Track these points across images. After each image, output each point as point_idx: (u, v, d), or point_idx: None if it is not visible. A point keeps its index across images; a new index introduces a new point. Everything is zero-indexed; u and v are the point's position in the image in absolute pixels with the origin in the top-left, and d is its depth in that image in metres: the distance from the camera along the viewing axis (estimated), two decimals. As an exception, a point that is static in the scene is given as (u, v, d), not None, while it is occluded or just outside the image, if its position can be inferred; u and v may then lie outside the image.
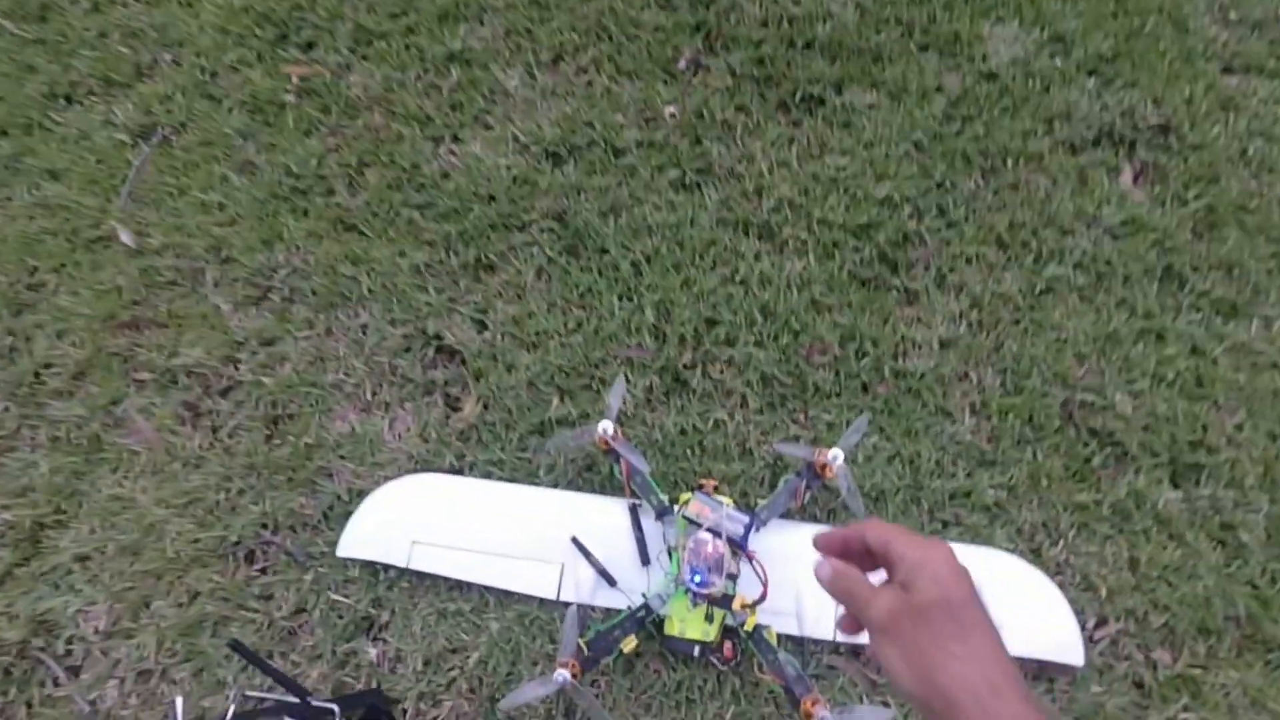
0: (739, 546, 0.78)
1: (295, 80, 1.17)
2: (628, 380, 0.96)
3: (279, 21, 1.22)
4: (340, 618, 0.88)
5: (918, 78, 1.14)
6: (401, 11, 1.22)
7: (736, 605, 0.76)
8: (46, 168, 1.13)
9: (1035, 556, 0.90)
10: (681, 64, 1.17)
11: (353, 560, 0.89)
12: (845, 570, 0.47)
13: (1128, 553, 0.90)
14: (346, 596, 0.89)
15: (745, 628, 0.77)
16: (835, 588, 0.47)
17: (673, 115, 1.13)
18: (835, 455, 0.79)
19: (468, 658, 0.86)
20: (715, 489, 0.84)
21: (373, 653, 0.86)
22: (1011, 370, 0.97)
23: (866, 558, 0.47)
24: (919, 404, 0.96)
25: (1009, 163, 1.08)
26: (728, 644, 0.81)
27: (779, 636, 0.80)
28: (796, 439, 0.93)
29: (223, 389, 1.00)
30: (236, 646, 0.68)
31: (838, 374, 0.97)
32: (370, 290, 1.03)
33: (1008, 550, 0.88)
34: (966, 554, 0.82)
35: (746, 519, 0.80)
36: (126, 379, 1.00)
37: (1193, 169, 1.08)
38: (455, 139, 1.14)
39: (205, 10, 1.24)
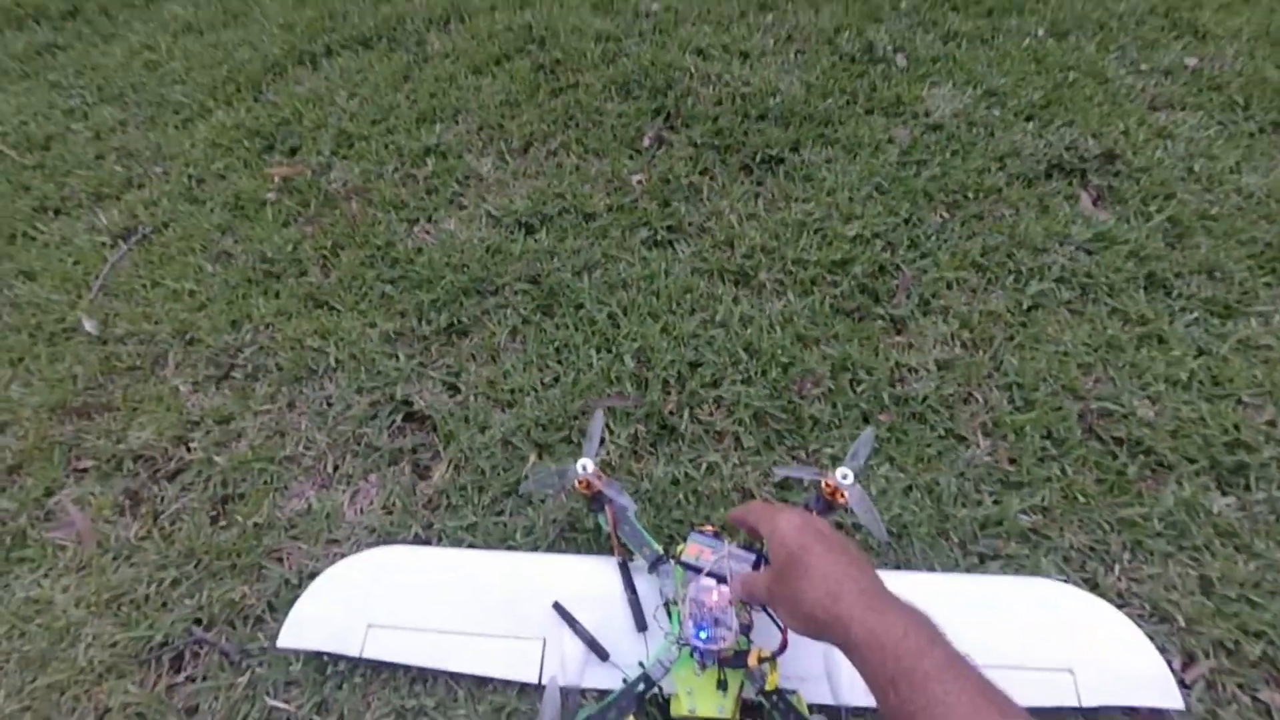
0: None
1: (277, 180, 1.22)
2: (609, 428, 0.89)
3: (267, 134, 1.30)
4: (278, 729, 0.73)
5: (869, 133, 1.20)
6: (381, 117, 1.30)
7: (752, 660, 0.62)
8: (23, 270, 1.14)
9: (1092, 586, 0.78)
10: (645, 141, 1.23)
11: (297, 654, 0.76)
12: (745, 578, 0.61)
13: (1196, 572, 0.78)
14: (286, 702, 0.74)
15: (766, 687, 0.63)
16: (742, 593, 0.61)
17: (640, 182, 1.17)
18: (844, 475, 0.69)
19: (431, 769, 0.70)
20: (716, 533, 0.73)
21: (315, 772, 0.70)
22: (1017, 386, 0.91)
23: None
24: (926, 428, 0.89)
25: (970, 196, 1.11)
26: (749, 721, 0.66)
27: (810, 706, 0.66)
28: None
29: (170, 472, 0.91)
30: None
31: (834, 405, 0.90)
32: (337, 361, 0.99)
33: (1060, 581, 0.77)
34: (1017, 590, 0.71)
35: (753, 557, 0.69)
36: (66, 469, 0.92)
37: (1146, 188, 1.10)
38: (429, 219, 1.16)
39: (199, 130, 1.33)
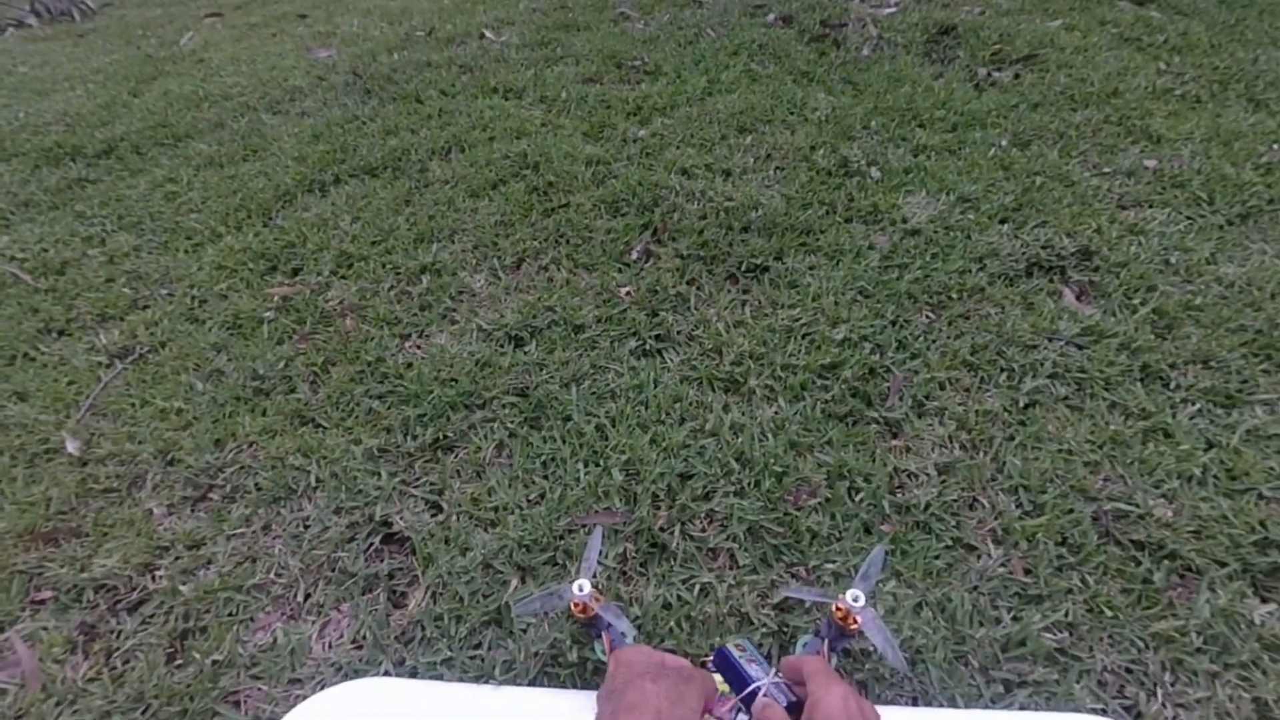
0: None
1: (277, 299, 1.25)
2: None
3: (272, 256, 1.35)
4: None
5: (849, 240, 1.24)
6: (381, 238, 1.36)
7: None
8: (16, 391, 1.14)
9: (1135, 716, 0.70)
10: (634, 254, 1.27)
11: (244, 820, 0.67)
12: (770, 706, 0.56)
13: (1248, 694, 0.70)
14: None
15: None
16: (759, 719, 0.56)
17: (628, 294, 1.19)
18: (855, 597, 0.64)
19: None
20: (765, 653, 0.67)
21: None
22: (1023, 488, 0.87)
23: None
24: (932, 538, 0.84)
25: (954, 296, 1.12)
26: None
27: None
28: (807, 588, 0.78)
29: (132, 603, 0.86)
30: None
31: (833, 516, 0.86)
32: (318, 480, 0.96)
33: (1097, 714, 0.69)
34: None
35: (794, 698, 0.61)
36: (24, 600, 0.87)
37: (1127, 281, 1.12)
38: (421, 334, 1.18)
39: (208, 254, 1.38)
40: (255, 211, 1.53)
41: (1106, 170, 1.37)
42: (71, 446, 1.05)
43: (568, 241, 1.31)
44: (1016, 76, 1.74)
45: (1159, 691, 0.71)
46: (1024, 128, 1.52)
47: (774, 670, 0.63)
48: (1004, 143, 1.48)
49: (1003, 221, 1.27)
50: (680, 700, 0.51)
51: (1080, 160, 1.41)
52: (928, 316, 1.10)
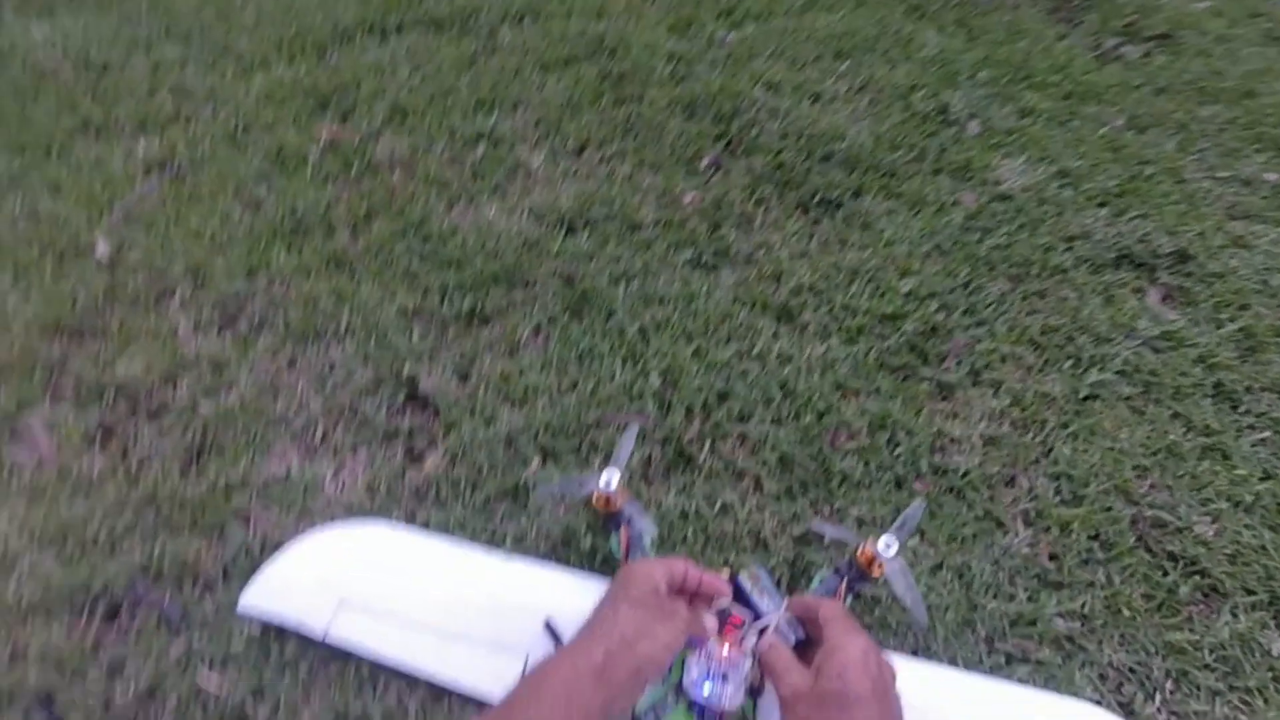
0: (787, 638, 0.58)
1: (324, 140, 1.19)
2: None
3: (323, 95, 1.28)
4: (203, 709, 0.65)
5: (934, 192, 1.16)
6: (440, 96, 1.28)
7: None
8: (51, 184, 1.10)
9: (1127, 712, 0.69)
10: (703, 163, 1.20)
11: (242, 629, 0.68)
12: (775, 645, 0.54)
13: (1247, 717, 0.69)
14: (220, 680, 0.66)
15: None
16: (764, 658, 0.54)
17: (692, 201, 1.13)
18: (888, 545, 0.61)
19: (362, 790, 0.62)
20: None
21: (233, 768, 0.62)
22: (1066, 477, 0.84)
23: (820, 630, 0.52)
24: (964, 506, 0.81)
25: (1034, 272, 1.06)
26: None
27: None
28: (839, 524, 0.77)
29: (151, 411, 0.85)
30: (42, 710, 0.49)
31: (867, 464, 0.84)
32: (349, 327, 0.94)
33: (1094, 703, 0.68)
34: (1045, 705, 0.63)
35: (802, 635, 0.60)
36: (45, 388, 0.87)
37: (1220, 294, 1.05)
38: (470, 202, 1.12)
39: (256, 81, 1.31)
40: (310, 45, 1.44)
41: (1223, 174, 1.27)
42: (102, 249, 1.02)
43: (636, 136, 1.23)
44: (1146, 55, 1.59)
45: (1158, 696, 0.70)
46: (1143, 111, 1.40)
47: (784, 606, 0.62)
48: (1119, 123, 1.36)
49: (1101, 205, 1.18)
50: (647, 634, 0.49)
51: (1197, 158, 1.30)
52: (1002, 286, 1.04)
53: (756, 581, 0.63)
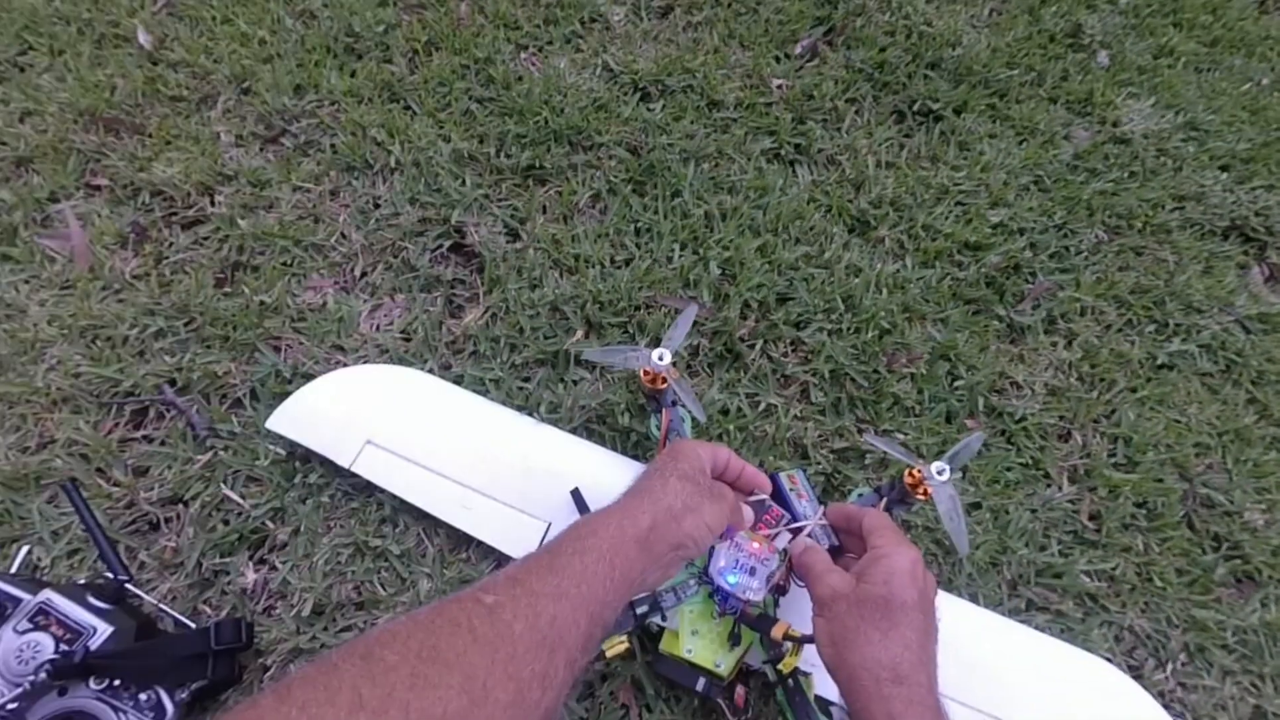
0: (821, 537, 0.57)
1: (387, -47, 1.07)
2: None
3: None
4: (224, 522, 0.65)
5: (1046, 121, 1.04)
6: (520, -76, 1.14)
7: (777, 633, 0.53)
8: (87, -45, 1.01)
9: (1135, 675, 0.69)
10: (799, 48, 1.08)
11: (268, 450, 0.67)
12: (813, 548, 0.53)
13: (1253, 700, 0.69)
14: (242, 496, 0.66)
15: (781, 668, 0.54)
16: (800, 559, 0.52)
17: (780, 88, 1.02)
18: (941, 469, 0.58)
19: (374, 617, 0.63)
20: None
21: (250, 578, 0.63)
22: (1124, 441, 0.80)
23: (859, 540, 0.51)
24: (1013, 451, 0.78)
25: (1136, 226, 0.97)
26: (741, 688, 0.58)
27: (818, 700, 0.57)
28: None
29: (187, 220, 0.81)
30: (69, 490, 0.48)
31: (921, 391, 0.79)
32: (398, 163, 0.88)
33: (1107, 659, 0.68)
34: (1060, 654, 0.62)
35: (836, 543, 0.58)
36: (79, 179, 0.82)
37: (1333, 286, 0.96)
38: (540, 50, 1.02)
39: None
40: None
41: (1366, 155, 1.13)
42: (144, 39, 0.94)
43: (729, 6, 1.11)
44: (1312, 6, 1.39)
45: (1169, 666, 0.70)
46: (1293, 69, 1.24)
47: (820, 512, 0.60)
48: (1265, 81, 1.21)
49: (1224, 168, 1.06)
50: (694, 510, 0.47)
51: (1341, 134, 1.16)
52: (1098, 235, 0.96)
53: (795, 484, 0.61)
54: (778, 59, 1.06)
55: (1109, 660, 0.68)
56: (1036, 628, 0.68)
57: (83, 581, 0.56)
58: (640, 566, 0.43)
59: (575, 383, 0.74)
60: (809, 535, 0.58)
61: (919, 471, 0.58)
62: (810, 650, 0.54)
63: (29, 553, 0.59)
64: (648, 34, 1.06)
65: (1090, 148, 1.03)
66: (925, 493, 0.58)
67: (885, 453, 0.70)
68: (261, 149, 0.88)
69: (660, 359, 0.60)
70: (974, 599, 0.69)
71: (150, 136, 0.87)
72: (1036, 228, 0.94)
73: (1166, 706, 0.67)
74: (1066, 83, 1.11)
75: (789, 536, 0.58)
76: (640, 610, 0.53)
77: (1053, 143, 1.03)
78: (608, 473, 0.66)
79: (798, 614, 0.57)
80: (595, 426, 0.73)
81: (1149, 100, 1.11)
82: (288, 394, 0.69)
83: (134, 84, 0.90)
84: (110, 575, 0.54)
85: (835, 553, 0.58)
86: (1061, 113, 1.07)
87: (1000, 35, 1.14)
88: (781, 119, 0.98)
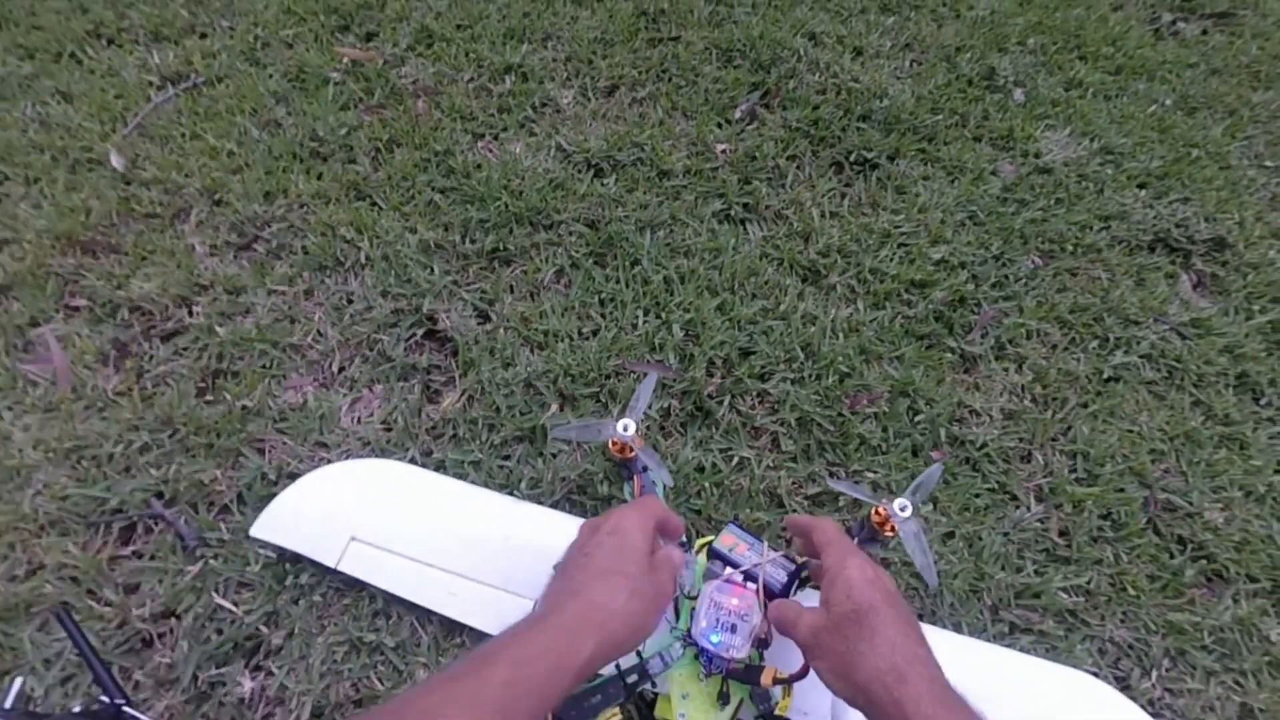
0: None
1: (346, 61, 1.14)
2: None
3: (346, 14, 1.22)
4: (218, 631, 0.66)
5: (973, 160, 1.12)
6: (469, 24, 1.22)
7: (766, 680, 0.55)
8: (61, 90, 1.06)
9: (1123, 686, 0.71)
10: (738, 112, 1.15)
11: (258, 555, 0.69)
12: (780, 603, 0.54)
13: (1239, 698, 0.71)
14: (235, 604, 0.67)
15: (777, 711, 0.56)
16: (775, 618, 0.54)
17: (724, 152, 1.09)
18: (903, 506, 0.61)
19: (377, 713, 0.63)
20: (755, 533, 0.65)
21: (247, 687, 0.64)
22: (1082, 456, 0.84)
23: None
24: (979, 478, 0.82)
25: (1068, 249, 1.03)
26: (738, 743, 0.59)
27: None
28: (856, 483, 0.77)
29: (166, 332, 0.84)
30: (61, 616, 0.49)
31: (885, 430, 0.83)
32: (368, 258, 0.92)
33: (1093, 674, 0.70)
34: (1046, 674, 0.64)
35: (792, 568, 0.61)
36: (59, 302, 0.85)
37: (1253, 285, 1.03)
38: (496, 137, 1.08)
39: (276, -7, 1.25)
40: (333, -42, 1.36)
41: (1269, 164, 1.23)
42: (116, 162, 0.99)
43: (670, 80, 1.19)
44: (1204, 33, 1.52)
45: (1154, 673, 0.72)
46: (1195, 92, 1.34)
47: (764, 549, 0.61)
48: (1168, 102, 1.31)
49: (1141, 186, 1.15)
50: (644, 627, 0.47)
51: (1245, 145, 1.26)
52: (1034, 261, 1.02)
53: (732, 543, 0.62)
54: (719, 125, 1.13)
55: (1095, 675, 0.70)
56: (1021, 649, 0.71)
57: (78, 709, 0.57)
58: (576, 684, 0.43)
59: (554, 455, 0.77)
60: (766, 569, 0.59)
61: (884, 510, 0.61)
62: (802, 698, 0.56)
63: (23, 684, 0.59)
64: (596, 113, 1.13)
65: (1017, 180, 1.11)
66: (892, 529, 0.61)
67: (852, 496, 0.72)
68: (235, 256, 0.92)
69: (625, 429, 0.63)
70: (958, 628, 0.71)
71: (126, 254, 0.90)
72: (976, 260, 1.00)
73: (1157, 714, 0.70)
74: (988, 121, 1.19)
75: (755, 581, 0.59)
76: (630, 680, 0.55)
77: (982, 179, 1.10)
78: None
79: (783, 660, 0.59)
80: (576, 497, 0.75)
81: (1065, 130, 1.20)
82: (274, 495, 0.71)
83: (108, 205, 0.94)
84: (106, 699, 0.54)
85: (798, 576, 0.60)
86: (987, 150, 1.15)
87: (922, 84, 1.23)
88: (728, 181, 1.05)
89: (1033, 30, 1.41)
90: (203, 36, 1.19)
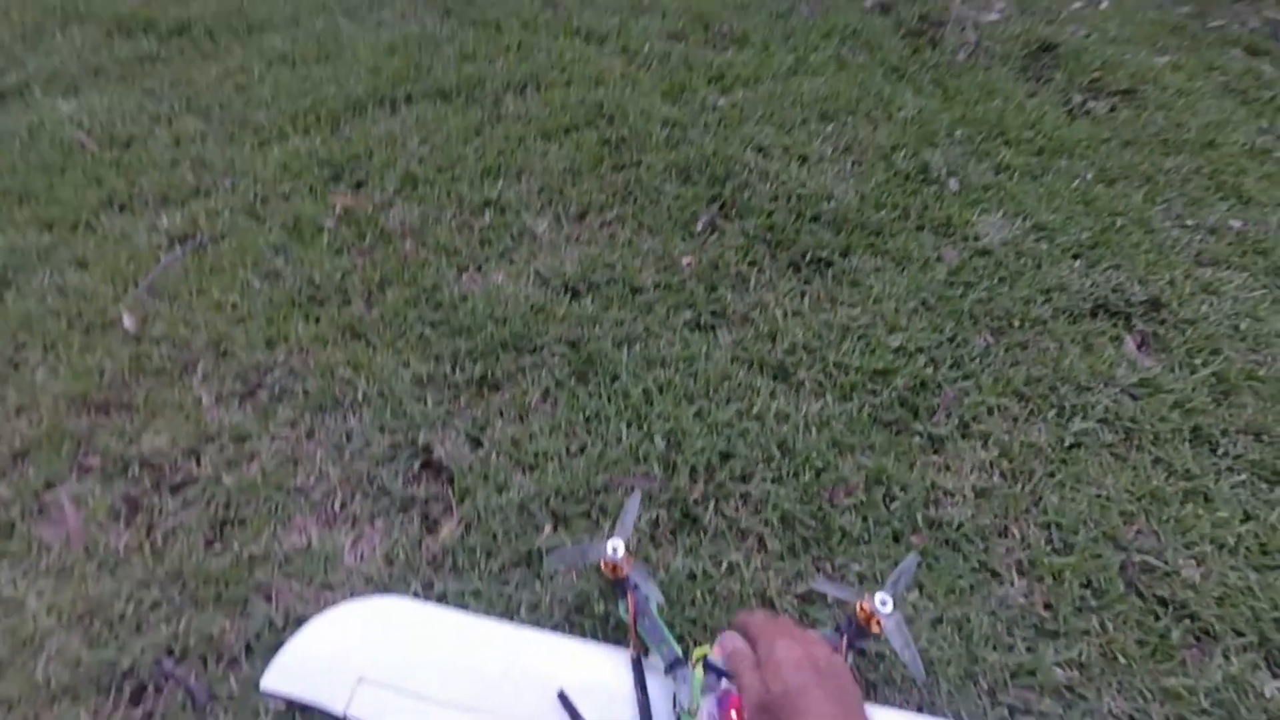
0: None
1: (339, 209, 1.25)
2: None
3: (337, 165, 1.34)
4: (231, 789, 0.66)
5: (918, 249, 1.22)
6: (448, 166, 1.35)
7: None
8: (77, 259, 1.15)
9: (1129, 763, 0.71)
10: (699, 225, 1.26)
11: (268, 707, 0.70)
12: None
13: (1243, 764, 0.72)
14: (248, 757, 0.68)
15: None
16: (728, 661, 0.56)
17: (689, 264, 1.19)
18: (884, 601, 0.64)
19: None
20: None
21: None
22: (1056, 526, 0.88)
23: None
24: (960, 558, 0.85)
25: (1015, 324, 1.11)
26: None
27: None
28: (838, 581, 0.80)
29: (175, 484, 0.88)
30: None
31: (865, 519, 0.87)
32: (365, 396, 0.98)
33: (1094, 751, 0.71)
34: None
35: None
36: (72, 463, 0.90)
37: (1192, 340, 1.10)
38: (479, 269, 1.17)
39: (273, 152, 1.37)
40: (324, 117, 1.51)
41: (1190, 223, 1.34)
42: (128, 322, 1.06)
43: (635, 201, 1.30)
44: (1112, 109, 1.68)
45: (1157, 743, 0.73)
46: (1112, 164, 1.48)
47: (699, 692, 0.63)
48: (1089, 176, 1.44)
49: (1075, 257, 1.25)
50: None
51: (1164, 208, 1.38)
52: (986, 339, 1.09)
53: (721, 654, 0.64)
54: (683, 238, 1.24)
55: (1099, 752, 0.71)
56: (1022, 734, 0.72)
57: None
58: None
59: (551, 578, 0.80)
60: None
61: (866, 605, 0.64)
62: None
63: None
64: (569, 238, 1.23)
65: (960, 264, 1.21)
66: (879, 624, 0.64)
67: (835, 596, 0.75)
68: (240, 404, 0.98)
69: (615, 550, 0.67)
70: (958, 716, 0.73)
71: (137, 410, 0.96)
72: (932, 344, 1.07)
73: (1165, 788, 0.70)
74: (928, 211, 1.31)
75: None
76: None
77: (928, 266, 1.20)
78: (591, 666, 0.70)
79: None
80: (575, 618, 0.77)
81: (999, 213, 1.31)
82: (282, 643, 0.73)
83: (120, 364, 1.01)
84: None
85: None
86: (930, 238, 1.26)
87: (864, 183, 1.35)
88: (696, 291, 1.13)
89: (958, 123, 1.56)
90: (206, 196, 1.30)
